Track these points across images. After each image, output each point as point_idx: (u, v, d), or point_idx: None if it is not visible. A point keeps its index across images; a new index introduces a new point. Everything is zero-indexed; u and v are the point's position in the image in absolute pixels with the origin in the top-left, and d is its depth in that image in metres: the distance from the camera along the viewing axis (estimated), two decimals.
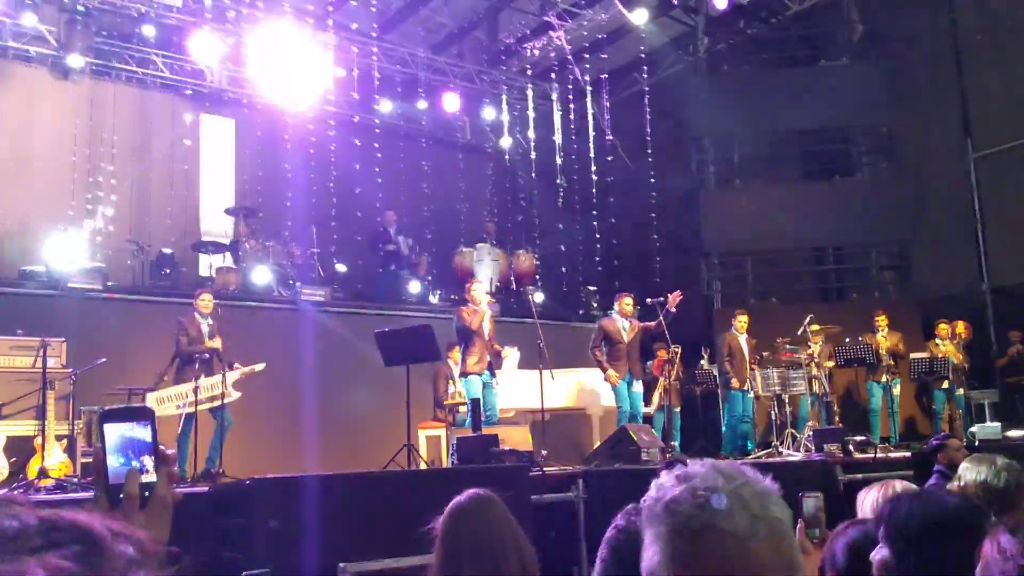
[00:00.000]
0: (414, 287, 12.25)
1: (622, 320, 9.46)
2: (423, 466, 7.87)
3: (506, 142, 15.24)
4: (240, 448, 8.49)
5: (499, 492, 2.73)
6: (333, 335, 10.71)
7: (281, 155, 12.65)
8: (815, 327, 10.36)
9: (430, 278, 12.75)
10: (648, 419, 10.05)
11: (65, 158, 11.38)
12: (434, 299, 12.39)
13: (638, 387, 9.49)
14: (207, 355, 8.20)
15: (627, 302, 9.52)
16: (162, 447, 1.14)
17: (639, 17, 12.82)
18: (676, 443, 9.94)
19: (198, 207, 12.64)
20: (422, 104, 13.88)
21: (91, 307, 9.40)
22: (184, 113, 12.61)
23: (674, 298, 9.13)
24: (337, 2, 13.13)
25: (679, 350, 10.04)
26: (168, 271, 10.76)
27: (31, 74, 11.50)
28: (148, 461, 1.12)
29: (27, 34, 11.26)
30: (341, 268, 11.65)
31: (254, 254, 11.23)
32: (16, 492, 5.91)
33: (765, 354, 10.60)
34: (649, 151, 13.31)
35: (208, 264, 11.56)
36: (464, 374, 8.76)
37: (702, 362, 11.44)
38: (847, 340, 10.55)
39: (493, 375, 8.73)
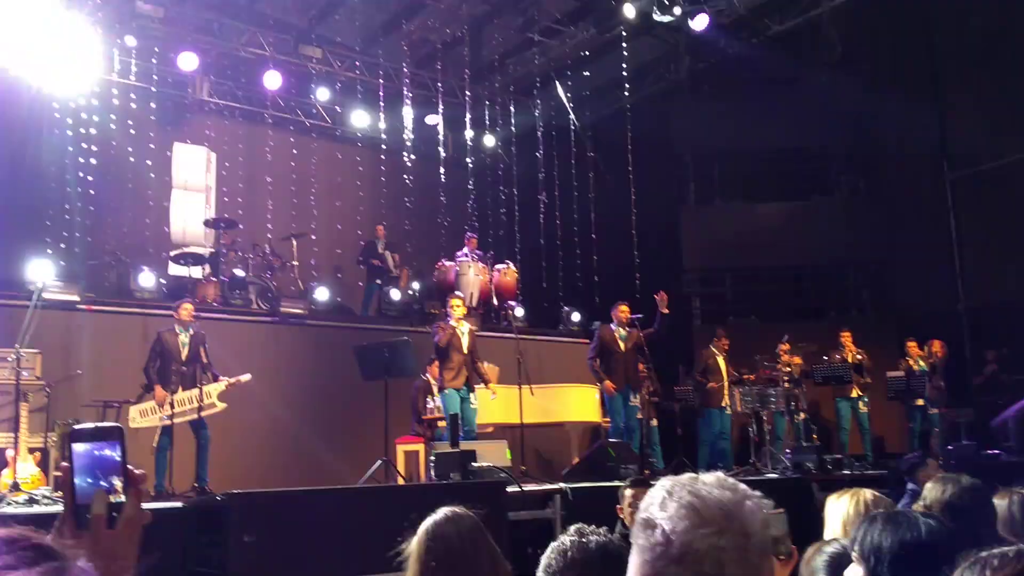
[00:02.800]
0: (396, 300, 12.18)
1: (619, 329, 9.41)
2: (400, 481, 7.83)
3: (487, 157, 15.29)
4: (217, 463, 8.41)
5: (476, 508, 2.72)
6: (312, 349, 10.65)
7: (262, 167, 12.59)
8: (786, 346, 10.49)
9: (411, 292, 12.70)
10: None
11: None
12: (414, 314, 12.32)
13: (635, 400, 9.39)
14: (185, 367, 8.14)
15: (623, 309, 9.45)
16: (131, 467, 1.13)
17: (628, 11, 12.63)
18: (655, 459, 9.95)
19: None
20: (405, 118, 13.88)
21: (68, 319, 9.28)
22: None
23: (661, 299, 9.15)
24: (321, 15, 13.12)
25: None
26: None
27: None
28: (117, 481, 1.11)
29: None
30: (323, 293, 11.46)
31: (233, 266, 11.16)
32: None
33: (743, 371, 10.65)
34: (630, 168, 13.36)
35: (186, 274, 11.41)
36: (442, 389, 8.74)
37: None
38: (824, 358, 10.67)
39: (471, 390, 8.71)
